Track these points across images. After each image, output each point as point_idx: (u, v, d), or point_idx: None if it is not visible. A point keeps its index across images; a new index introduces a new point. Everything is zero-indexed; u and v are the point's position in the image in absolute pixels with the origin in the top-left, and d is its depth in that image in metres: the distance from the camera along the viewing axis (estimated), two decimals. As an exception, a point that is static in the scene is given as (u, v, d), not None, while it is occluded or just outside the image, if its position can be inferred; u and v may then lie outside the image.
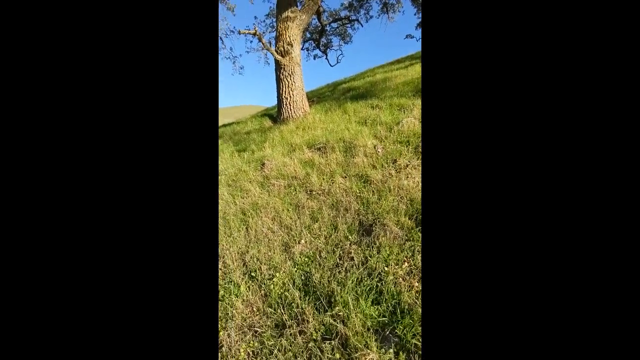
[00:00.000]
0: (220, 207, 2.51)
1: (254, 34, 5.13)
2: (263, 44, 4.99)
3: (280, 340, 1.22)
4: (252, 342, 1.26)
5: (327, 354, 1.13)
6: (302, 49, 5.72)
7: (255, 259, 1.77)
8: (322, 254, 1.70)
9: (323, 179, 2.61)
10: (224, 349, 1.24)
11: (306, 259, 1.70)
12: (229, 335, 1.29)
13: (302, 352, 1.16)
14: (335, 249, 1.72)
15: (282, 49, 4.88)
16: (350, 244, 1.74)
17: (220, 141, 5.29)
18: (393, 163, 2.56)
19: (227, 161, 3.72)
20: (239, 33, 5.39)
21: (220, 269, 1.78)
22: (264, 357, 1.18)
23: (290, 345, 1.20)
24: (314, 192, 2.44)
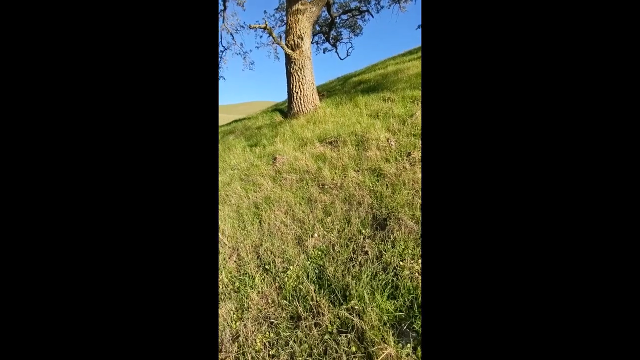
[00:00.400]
0: (233, 201, 2.54)
1: (264, 28, 5.10)
2: (273, 38, 4.96)
3: (296, 332, 1.23)
4: (268, 332, 1.27)
5: (343, 346, 1.13)
6: (311, 42, 5.65)
7: (269, 252, 1.79)
8: (335, 248, 1.69)
9: (335, 173, 2.59)
10: (240, 338, 1.26)
11: (319, 253, 1.69)
12: (245, 326, 1.31)
13: (318, 344, 1.16)
14: (349, 243, 1.71)
15: (293, 42, 4.83)
16: (364, 238, 1.72)
17: (232, 136, 5.35)
18: (407, 156, 2.50)
19: (239, 156, 3.75)
20: (250, 28, 5.38)
21: (235, 262, 1.80)
22: (279, 348, 1.19)
23: (306, 337, 1.20)
24: (326, 186, 2.42)
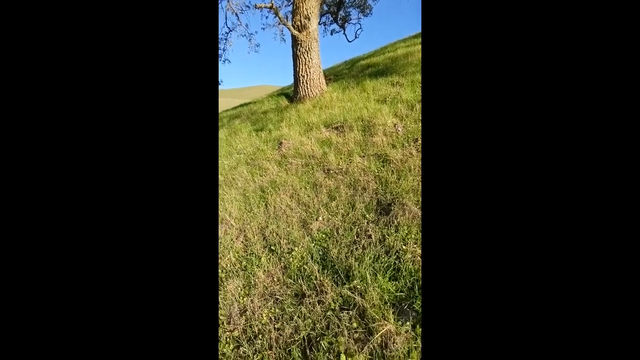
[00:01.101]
0: (240, 185, 2.58)
1: (270, 8, 4.93)
2: (279, 18, 4.81)
3: (300, 308, 1.29)
4: (273, 308, 1.34)
5: (345, 322, 1.18)
6: (319, 23, 5.45)
7: (274, 233, 1.84)
8: (339, 231, 1.73)
9: (341, 158, 2.59)
10: (247, 312, 1.33)
11: (324, 236, 1.73)
12: (252, 301, 1.37)
13: (321, 319, 1.22)
14: (353, 227, 1.74)
15: (299, 23, 4.68)
16: (367, 222, 1.75)
17: (237, 121, 5.34)
18: (414, 142, 2.47)
19: (245, 140, 3.76)
20: (255, 7, 5.21)
21: (242, 242, 1.86)
22: (284, 322, 1.25)
23: (310, 313, 1.26)
24: (331, 171, 2.43)
